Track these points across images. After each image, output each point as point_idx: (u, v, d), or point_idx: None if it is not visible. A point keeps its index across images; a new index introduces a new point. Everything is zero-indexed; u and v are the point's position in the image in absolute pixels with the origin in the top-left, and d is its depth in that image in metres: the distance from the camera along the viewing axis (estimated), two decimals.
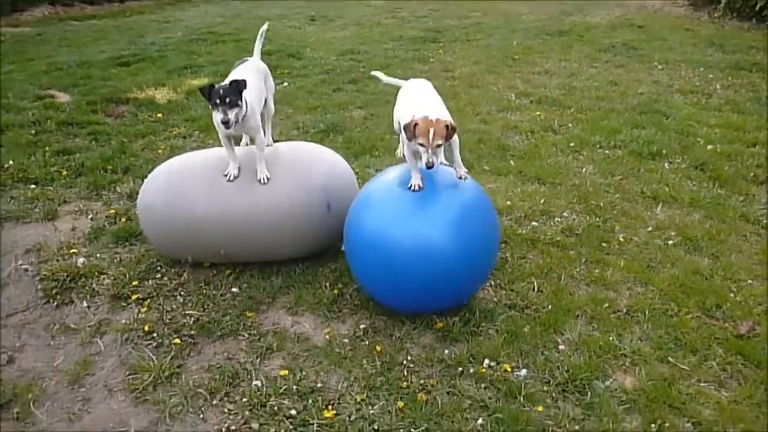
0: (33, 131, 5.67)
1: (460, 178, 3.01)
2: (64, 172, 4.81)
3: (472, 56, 9.24)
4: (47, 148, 5.27)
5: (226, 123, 3.04)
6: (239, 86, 3.10)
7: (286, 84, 7.61)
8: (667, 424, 2.50)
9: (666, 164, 5.17)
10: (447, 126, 2.74)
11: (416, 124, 2.72)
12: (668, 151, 5.38)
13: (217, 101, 3.04)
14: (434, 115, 2.79)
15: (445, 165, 3.23)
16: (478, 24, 12.01)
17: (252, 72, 3.55)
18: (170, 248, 3.54)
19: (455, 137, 2.95)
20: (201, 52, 9.21)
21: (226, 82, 3.13)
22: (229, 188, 3.29)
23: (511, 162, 5.14)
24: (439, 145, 2.72)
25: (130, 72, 8.03)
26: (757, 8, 11.44)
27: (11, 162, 4.94)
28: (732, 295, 3.38)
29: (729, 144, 5.58)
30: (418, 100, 3.05)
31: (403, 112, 3.01)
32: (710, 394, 2.67)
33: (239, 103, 3.10)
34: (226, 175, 3.30)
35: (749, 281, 3.52)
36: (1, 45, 9.61)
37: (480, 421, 2.48)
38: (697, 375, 2.79)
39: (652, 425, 2.49)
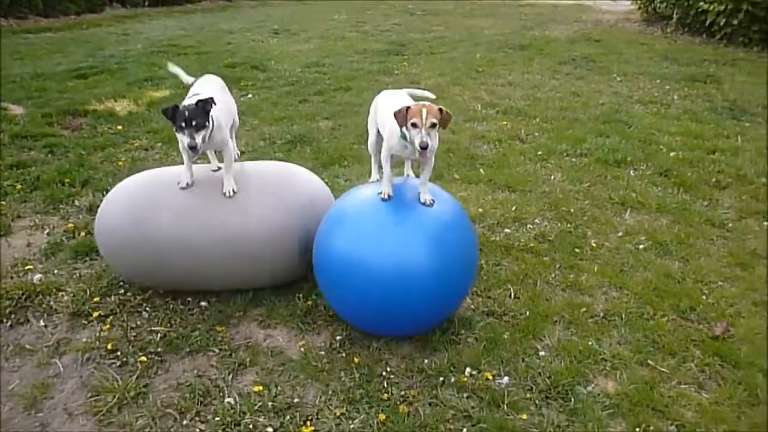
0: None
1: (424, 203, 2.83)
2: (18, 186, 4.58)
3: (436, 69, 9.29)
4: (0, 162, 5.02)
5: (194, 149, 2.79)
6: (206, 106, 2.85)
7: (250, 96, 7.50)
8: (651, 428, 2.47)
9: (631, 171, 5.25)
10: (441, 109, 2.63)
11: (408, 108, 2.62)
12: (633, 159, 5.47)
13: (183, 124, 2.79)
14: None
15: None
16: (441, 38, 12.12)
17: (216, 86, 3.39)
18: (135, 275, 3.26)
19: (432, 160, 2.87)
20: (162, 65, 8.99)
21: (191, 100, 2.88)
22: (200, 211, 3.05)
23: (481, 170, 5.14)
24: (433, 125, 2.59)
25: (88, 84, 7.78)
26: (707, 24, 11.87)
27: None
28: (704, 297, 3.41)
29: (690, 151, 5.71)
30: (406, 101, 2.95)
31: (388, 114, 2.80)
32: (691, 396, 2.67)
33: (207, 123, 2.85)
34: (179, 183, 3.09)
35: (720, 283, 3.56)
36: None
37: (464, 431, 2.41)
38: (677, 377, 2.78)
39: (637, 429, 2.46)
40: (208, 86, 3.35)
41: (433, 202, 2.84)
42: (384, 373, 2.73)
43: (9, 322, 3.08)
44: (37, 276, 3.40)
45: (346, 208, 2.98)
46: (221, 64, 8.98)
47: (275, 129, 6.18)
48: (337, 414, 2.48)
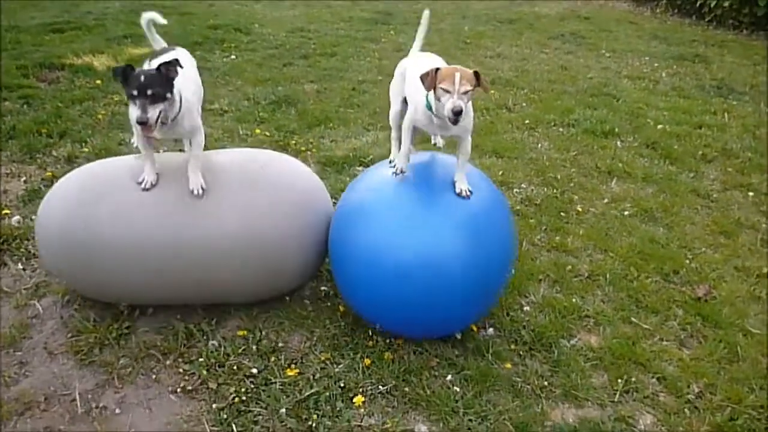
0: None
1: (460, 194, 2.45)
2: None
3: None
4: None
5: (144, 123, 2.21)
6: (170, 72, 2.29)
7: (233, 57, 7.34)
8: (633, 379, 2.49)
9: (618, 142, 5.25)
10: (476, 73, 2.28)
11: (437, 69, 2.26)
12: (620, 131, 5.48)
13: (135, 92, 2.21)
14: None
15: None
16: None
17: (188, 59, 2.80)
18: (86, 287, 2.67)
19: (468, 139, 2.48)
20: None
21: (152, 66, 2.34)
22: (164, 211, 2.47)
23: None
24: (466, 92, 2.23)
25: (65, 39, 7.53)
26: (697, 5, 11.90)
27: None
28: (688, 261, 3.44)
29: (677, 125, 5.73)
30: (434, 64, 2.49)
31: (416, 79, 2.39)
32: (673, 352, 2.70)
33: (168, 96, 2.29)
34: (140, 183, 2.49)
35: (703, 249, 3.60)
36: None
37: (449, 377, 2.41)
38: (659, 334, 2.81)
39: (619, 380, 2.48)
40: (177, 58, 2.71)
41: (471, 193, 2.45)
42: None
43: None
44: (15, 218, 3.30)
45: (365, 194, 2.61)
46: (204, 25, 8.76)
47: (259, 90, 6.06)
48: (322, 359, 2.46)
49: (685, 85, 7.30)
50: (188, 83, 2.53)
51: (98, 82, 5.90)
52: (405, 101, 2.70)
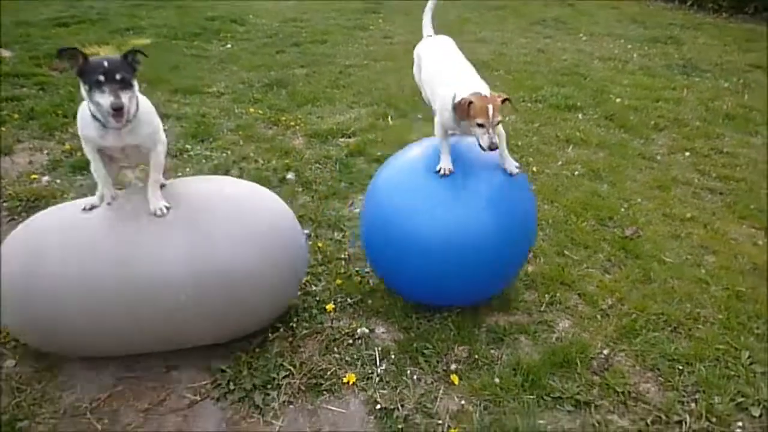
0: None
1: (511, 174, 2.62)
2: (15, 116, 4.97)
3: (410, 26, 9.64)
4: None
5: (120, 109, 2.06)
6: (133, 60, 2.16)
7: (229, 45, 7.85)
8: (558, 295, 3.03)
9: (580, 115, 5.77)
10: (504, 100, 2.41)
11: (470, 103, 2.32)
12: (583, 105, 6.00)
13: (102, 77, 2.06)
14: (484, 89, 2.43)
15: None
16: None
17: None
18: (36, 340, 2.46)
19: (501, 128, 2.56)
20: (143, 16, 9.26)
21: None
22: (106, 244, 2.28)
23: None
24: (498, 122, 2.36)
25: (71, 32, 8.06)
26: None
27: None
28: (623, 210, 3.97)
29: (637, 100, 6.24)
30: (454, 71, 2.62)
31: (442, 89, 2.55)
32: (595, 276, 3.23)
33: (133, 83, 2.15)
34: (84, 209, 2.38)
35: (639, 200, 4.13)
36: None
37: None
38: (586, 264, 3.34)
39: (546, 296, 3.02)
40: None
41: (519, 168, 2.66)
42: (342, 257, 3.26)
43: (20, 220, 3.53)
44: (45, 178, 3.84)
45: (396, 175, 2.78)
46: (201, 17, 9.27)
47: (253, 74, 6.58)
48: (304, 282, 3.00)
49: (652, 65, 7.81)
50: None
51: None
52: None
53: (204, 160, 4.39)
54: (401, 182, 2.70)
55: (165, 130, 4.82)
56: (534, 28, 9.98)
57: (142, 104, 2.25)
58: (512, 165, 2.63)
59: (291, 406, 2.34)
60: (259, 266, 2.37)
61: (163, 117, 5.05)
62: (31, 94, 5.54)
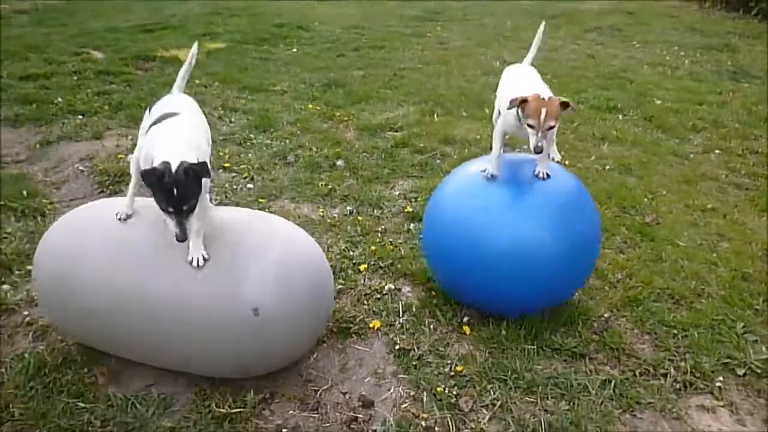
0: (75, 78, 6.54)
1: (537, 175, 2.66)
2: (106, 107, 5.69)
3: (466, 33, 10.06)
4: (89, 90, 6.14)
5: (182, 240, 2.06)
6: (198, 175, 2.04)
7: (295, 50, 8.48)
8: None
9: (620, 116, 6.00)
10: (563, 103, 2.44)
11: (525, 101, 2.39)
12: (624, 107, 6.22)
13: (169, 207, 2.02)
14: (545, 93, 2.52)
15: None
16: (475, 6, 12.80)
17: (193, 108, 2.60)
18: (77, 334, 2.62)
19: (554, 134, 2.67)
20: (218, 23, 10.06)
21: (175, 159, 2.02)
22: (141, 264, 2.32)
23: (486, 110, 5.97)
24: (550, 128, 2.40)
25: (155, 37, 8.89)
26: None
27: (59, 99, 5.81)
28: (646, 200, 4.22)
29: (679, 102, 6.40)
30: (526, 81, 2.76)
31: (507, 93, 2.67)
32: (610, 255, 3.50)
33: (197, 198, 2.09)
34: (117, 215, 2.40)
35: (664, 192, 4.36)
36: (38, 11, 10.53)
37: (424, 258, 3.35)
38: (603, 245, 3.60)
39: None
40: (186, 108, 2.50)
41: (548, 176, 2.66)
42: (379, 230, 3.69)
43: (108, 192, 4.15)
44: (129, 155, 4.45)
45: (454, 190, 2.93)
46: (270, 23, 9.98)
47: (314, 75, 7.14)
48: (343, 248, 3.44)
49: (702, 70, 7.89)
50: (203, 139, 2.33)
51: None
52: None
53: (264, 148, 4.93)
54: (463, 196, 2.83)
55: (231, 123, 5.46)
56: (587, 36, 10.16)
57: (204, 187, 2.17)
58: (543, 169, 2.67)
59: (324, 344, 2.77)
60: (286, 307, 2.30)
61: (232, 111, 5.72)
62: (119, 90, 6.28)
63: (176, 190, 1.97)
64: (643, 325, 2.93)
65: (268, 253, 2.35)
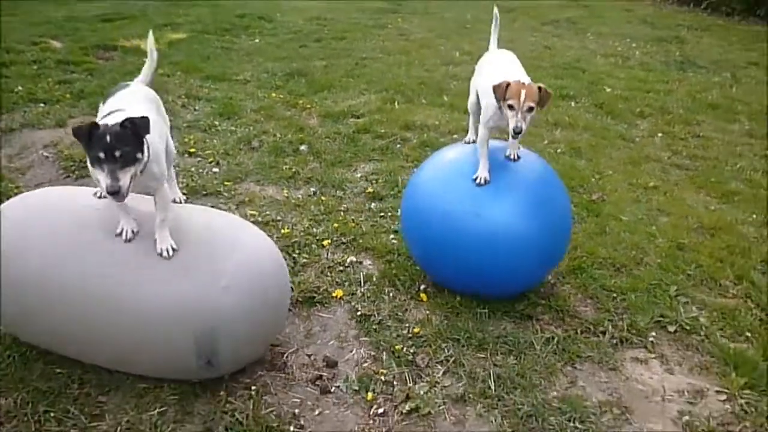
0: (35, 67, 6.50)
1: (508, 156, 2.86)
2: (68, 96, 5.69)
3: (427, 25, 10.27)
4: (49, 79, 6.11)
5: (116, 193, 1.97)
6: (140, 129, 2.03)
7: (257, 40, 8.55)
8: None
9: (573, 103, 6.29)
10: (540, 88, 2.52)
11: (508, 85, 2.50)
12: (576, 94, 6.51)
13: (102, 155, 1.95)
14: (526, 80, 2.60)
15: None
16: (437, 0, 13.02)
17: (146, 102, 2.55)
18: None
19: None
20: (179, 14, 10.02)
21: (114, 118, 2.05)
22: (98, 259, 2.26)
23: (445, 98, 6.20)
24: (530, 109, 2.49)
25: (115, 27, 8.83)
26: None
27: (20, 87, 5.79)
28: (594, 179, 4.49)
29: (629, 91, 6.73)
30: (507, 69, 2.78)
31: (490, 79, 2.66)
32: None
33: (139, 156, 2.04)
34: (120, 234, 2.28)
35: (610, 173, 4.63)
36: None
37: (391, 236, 3.53)
38: None
39: None
40: (133, 101, 2.43)
41: (519, 158, 2.86)
42: (341, 209, 3.85)
43: (74, 176, 4.20)
44: None
45: (433, 177, 3.03)
46: (232, 14, 10.00)
47: (277, 65, 7.24)
48: (306, 225, 3.60)
49: (651, 61, 8.26)
50: (154, 128, 2.17)
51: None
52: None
53: (229, 134, 5.03)
54: (438, 183, 2.95)
55: (195, 110, 5.53)
56: (544, 28, 10.48)
57: (153, 154, 2.18)
58: (514, 151, 2.86)
59: (290, 313, 2.93)
60: (245, 304, 2.27)
61: (196, 99, 5.79)
62: (81, 79, 6.27)
63: (109, 137, 1.94)
64: (586, 290, 3.17)
65: (226, 262, 2.28)
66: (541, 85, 2.56)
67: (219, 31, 8.80)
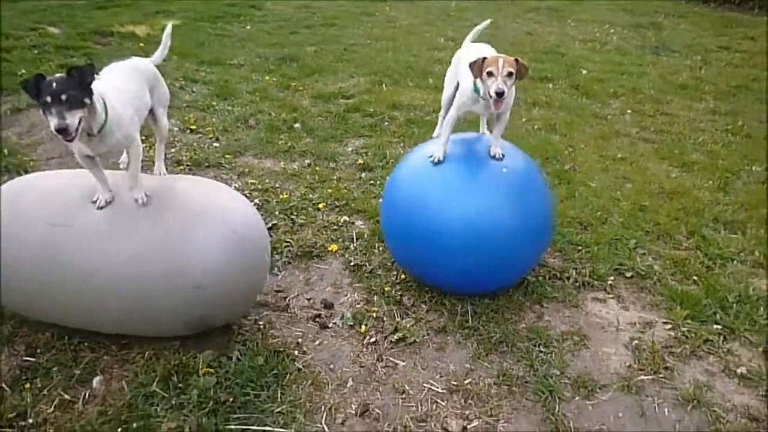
0: (35, 51, 6.75)
1: (494, 156, 2.86)
2: None
3: (413, 12, 10.59)
4: (51, 63, 6.38)
5: (64, 131, 2.08)
6: (83, 77, 2.15)
7: (248, 27, 8.83)
8: None
9: (550, 85, 6.65)
10: (517, 60, 2.55)
11: (484, 58, 2.54)
12: (554, 77, 6.87)
13: (48, 99, 2.07)
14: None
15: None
16: None
17: (129, 71, 2.76)
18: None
19: (506, 114, 2.86)
20: (171, 1, 10.27)
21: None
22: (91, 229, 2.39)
23: (430, 80, 6.54)
24: (509, 74, 2.51)
25: (109, 13, 9.07)
26: None
27: (23, 71, 6.04)
28: (567, 152, 4.86)
29: (604, 73, 7.11)
30: (486, 52, 2.73)
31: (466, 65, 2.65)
32: None
33: (85, 101, 2.15)
34: (95, 202, 2.43)
35: (582, 146, 5.01)
36: None
37: (380, 200, 3.87)
38: None
39: None
40: (116, 71, 2.72)
41: (503, 156, 2.85)
42: (334, 178, 4.20)
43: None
44: None
45: (407, 174, 3.00)
46: (222, 2, 10.25)
47: (269, 51, 7.54)
48: (303, 192, 3.94)
49: (627, 46, 8.65)
50: (116, 91, 2.40)
51: (141, 45, 7.40)
52: (457, 87, 2.97)
53: (227, 113, 5.34)
54: (420, 174, 2.89)
55: (193, 92, 5.83)
56: (527, 15, 10.85)
57: (112, 112, 2.30)
58: (497, 150, 2.87)
59: (290, 265, 3.27)
60: (224, 266, 2.42)
61: (193, 82, 6.09)
62: (82, 63, 6.53)
63: (55, 84, 2.09)
64: (554, 245, 3.54)
65: (208, 222, 2.45)
66: (518, 58, 2.62)
67: (211, 19, 9.07)
